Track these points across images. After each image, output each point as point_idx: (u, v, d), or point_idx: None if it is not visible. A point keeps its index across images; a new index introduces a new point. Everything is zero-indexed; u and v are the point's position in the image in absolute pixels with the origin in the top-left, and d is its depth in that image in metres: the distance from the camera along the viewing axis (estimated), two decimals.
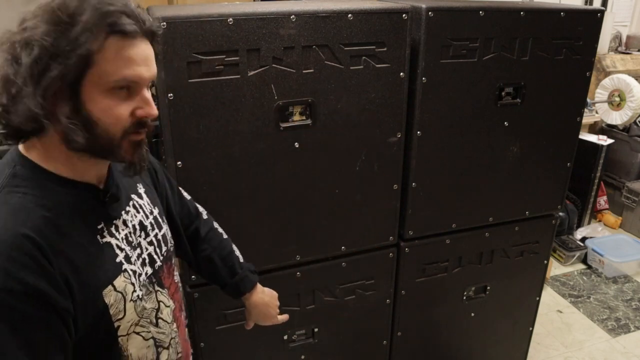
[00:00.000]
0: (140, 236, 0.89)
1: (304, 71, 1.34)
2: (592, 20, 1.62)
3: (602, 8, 2.03)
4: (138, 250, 0.88)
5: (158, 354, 0.91)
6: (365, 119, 1.45)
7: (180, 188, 1.19)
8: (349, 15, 1.33)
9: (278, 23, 1.27)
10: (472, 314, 1.94)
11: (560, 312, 2.78)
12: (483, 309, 1.95)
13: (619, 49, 4.06)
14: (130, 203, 0.90)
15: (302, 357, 1.70)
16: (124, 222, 0.86)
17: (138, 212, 0.91)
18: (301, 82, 1.34)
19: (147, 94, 0.75)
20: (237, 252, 1.23)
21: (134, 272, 0.85)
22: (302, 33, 1.30)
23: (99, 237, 0.80)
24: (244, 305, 1.26)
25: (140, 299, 0.85)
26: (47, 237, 0.71)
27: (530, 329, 2.11)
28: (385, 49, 1.40)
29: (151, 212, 0.95)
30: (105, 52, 0.69)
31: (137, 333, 0.85)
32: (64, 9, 0.68)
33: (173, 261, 1.01)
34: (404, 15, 1.38)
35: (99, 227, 0.81)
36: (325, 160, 1.46)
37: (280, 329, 1.63)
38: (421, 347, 1.93)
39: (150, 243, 0.92)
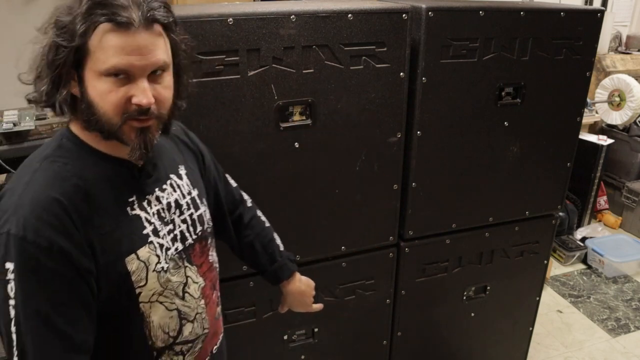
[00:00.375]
0: (174, 213, 0.94)
1: (304, 71, 1.34)
2: (592, 20, 1.62)
3: (602, 8, 2.03)
4: (170, 226, 0.93)
5: (181, 325, 0.95)
6: (365, 119, 1.45)
7: (227, 175, 1.23)
8: (349, 15, 1.33)
9: (278, 23, 1.27)
10: (472, 314, 1.94)
11: (560, 312, 2.78)
12: (483, 309, 1.95)
13: (619, 49, 4.06)
14: (168, 182, 0.95)
15: (302, 357, 1.70)
16: (158, 199, 0.92)
17: (175, 191, 0.96)
18: (301, 82, 1.34)
19: (142, 82, 0.78)
20: (278, 241, 1.27)
21: (161, 245, 0.90)
22: (302, 33, 1.30)
23: (128, 209, 0.86)
24: (281, 291, 1.29)
25: (165, 271, 0.90)
26: (76, 203, 0.79)
27: (530, 329, 2.11)
28: (385, 49, 1.40)
29: (189, 193, 0.99)
30: (98, 41, 0.75)
31: (161, 302, 0.91)
32: (67, 3, 0.77)
33: (209, 241, 1.05)
34: (404, 15, 1.38)
35: (130, 200, 0.87)
36: (325, 160, 1.46)
37: (280, 329, 1.63)
38: (421, 347, 1.93)
39: (184, 221, 0.96)
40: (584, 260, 3.21)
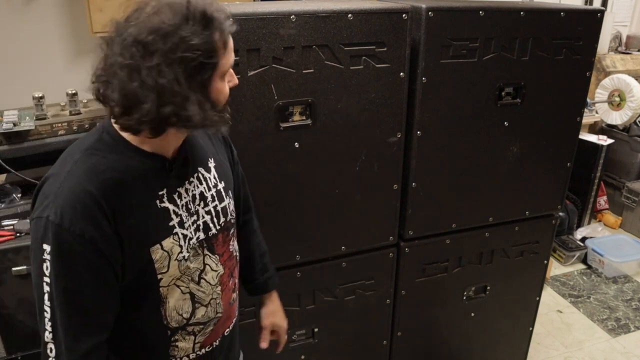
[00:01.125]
0: (199, 205, 0.99)
1: (304, 71, 1.34)
2: (592, 20, 1.62)
3: (602, 8, 2.03)
4: (194, 217, 0.98)
5: (194, 308, 1.01)
6: (365, 119, 1.45)
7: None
8: (349, 15, 1.33)
9: (278, 23, 1.27)
10: (472, 314, 1.94)
11: (560, 312, 2.78)
12: (483, 309, 1.95)
13: (619, 49, 4.06)
14: (195, 175, 1.00)
15: (302, 357, 1.70)
16: (186, 191, 0.97)
17: (201, 183, 1.01)
18: (301, 82, 1.34)
19: (233, 73, 0.91)
20: (268, 255, 1.35)
21: (185, 236, 0.96)
22: (302, 33, 1.30)
23: (158, 201, 0.92)
24: (262, 303, 1.34)
25: (186, 260, 0.96)
26: (108, 196, 0.85)
27: (530, 329, 2.11)
28: (385, 49, 1.40)
29: (215, 186, 1.04)
30: (224, 51, 0.85)
31: (178, 286, 0.97)
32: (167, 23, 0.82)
33: (232, 231, 1.10)
34: (404, 15, 1.38)
35: (160, 193, 0.92)
36: (325, 160, 1.46)
37: None
38: (421, 347, 1.93)
39: (208, 212, 1.01)
40: (584, 260, 3.21)
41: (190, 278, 0.99)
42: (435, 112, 1.53)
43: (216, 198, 1.04)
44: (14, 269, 1.47)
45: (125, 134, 0.89)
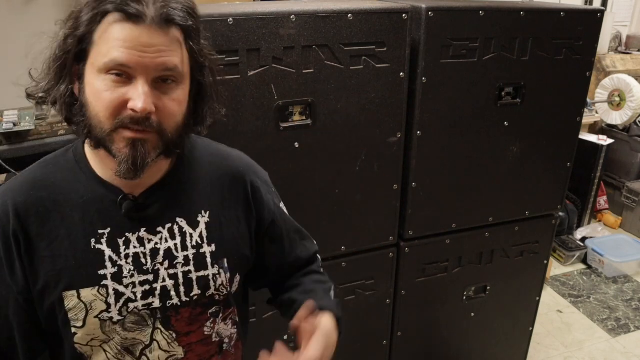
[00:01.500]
0: (161, 264, 0.80)
1: (304, 71, 1.34)
2: (592, 20, 1.62)
3: (602, 8, 2.03)
4: (149, 277, 0.80)
5: None
6: (365, 119, 1.45)
7: (303, 237, 1.04)
8: (349, 15, 1.33)
9: (278, 23, 1.27)
10: (472, 314, 1.94)
11: (560, 312, 2.77)
12: (483, 309, 1.95)
13: (619, 49, 4.05)
14: (168, 225, 0.81)
15: None
16: (140, 240, 0.79)
17: (173, 238, 0.81)
18: (301, 82, 1.34)
19: (142, 84, 0.68)
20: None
21: (120, 294, 0.78)
22: (302, 33, 1.30)
23: (93, 240, 0.77)
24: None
25: (115, 323, 0.79)
26: (26, 216, 0.75)
27: (530, 329, 2.10)
28: (385, 49, 1.40)
29: (196, 247, 0.83)
30: (103, 32, 0.68)
31: (105, 351, 0.81)
32: None
33: (213, 310, 0.87)
34: (404, 15, 1.38)
35: (101, 231, 0.77)
36: (325, 160, 1.46)
37: (280, 329, 1.62)
38: (421, 347, 1.93)
39: (173, 277, 0.81)
40: (584, 260, 3.21)
41: (124, 349, 0.81)
42: (435, 112, 1.53)
43: (192, 263, 0.82)
44: None
45: (90, 157, 0.78)
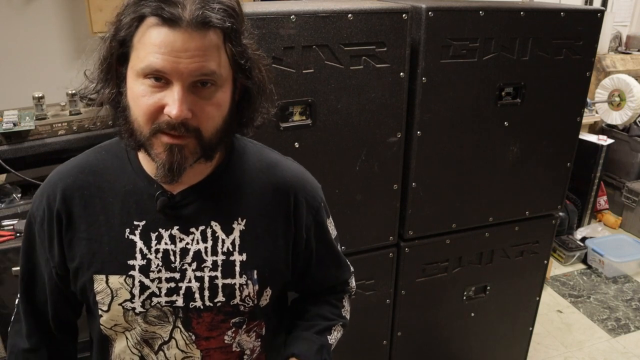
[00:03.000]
0: (189, 264, 0.80)
1: (304, 71, 1.34)
2: (592, 20, 1.62)
3: (602, 8, 2.03)
4: (176, 274, 0.80)
5: None
6: (365, 119, 1.45)
7: (337, 264, 1.00)
8: (349, 15, 1.33)
9: (278, 23, 1.27)
10: (472, 314, 1.94)
11: (560, 312, 2.77)
12: (483, 309, 1.95)
13: (619, 49, 4.05)
14: (201, 228, 0.80)
15: None
16: (172, 238, 0.79)
17: (205, 241, 0.80)
18: (301, 82, 1.34)
19: (177, 90, 0.68)
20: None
21: (145, 286, 0.79)
22: (302, 33, 1.30)
23: (127, 230, 0.79)
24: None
25: (137, 314, 0.80)
26: (73, 198, 0.79)
27: (530, 329, 2.10)
28: (385, 49, 1.40)
29: (226, 253, 0.81)
30: (141, 36, 0.68)
31: (127, 338, 0.83)
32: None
33: (236, 321, 0.85)
34: (404, 15, 1.38)
35: (136, 223, 0.79)
36: (325, 160, 1.46)
37: None
38: (421, 347, 1.93)
39: (199, 279, 0.80)
40: (584, 260, 3.21)
41: (144, 340, 0.82)
42: (435, 112, 1.53)
43: (220, 269, 0.81)
44: (13, 268, 1.47)
45: None
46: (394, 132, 1.51)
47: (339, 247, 1.00)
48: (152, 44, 0.67)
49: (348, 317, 1.03)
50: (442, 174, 1.63)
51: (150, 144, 0.72)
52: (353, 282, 1.06)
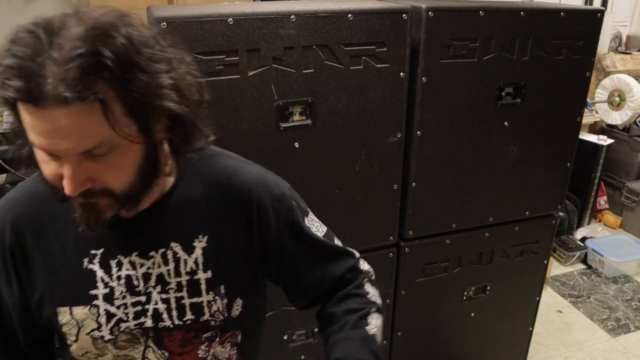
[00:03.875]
0: (154, 287, 0.78)
1: (304, 71, 1.34)
2: (592, 20, 1.62)
3: (602, 8, 2.03)
4: (141, 298, 0.77)
5: None
6: (365, 119, 1.45)
7: (331, 256, 0.94)
8: (349, 15, 1.33)
9: (278, 23, 1.27)
10: (472, 314, 1.94)
11: (560, 312, 2.77)
12: (483, 309, 1.95)
13: (619, 49, 4.06)
14: (161, 250, 0.77)
15: (302, 357, 1.70)
16: (132, 264, 0.76)
17: (166, 264, 0.77)
18: (301, 82, 1.34)
19: (66, 167, 0.61)
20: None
21: (111, 314, 0.77)
22: (302, 33, 1.30)
23: (86, 260, 0.76)
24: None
25: (107, 341, 0.78)
26: (25, 230, 0.75)
27: (530, 329, 2.11)
28: (385, 49, 1.40)
29: (190, 273, 0.79)
30: (20, 111, 0.60)
31: None
32: None
33: (209, 335, 0.83)
34: (404, 15, 1.38)
35: (93, 252, 0.76)
36: (325, 160, 1.46)
37: (280, 329, 1.63)
38: (421, 347, 1.93)
39: (165, 301, 0.78)
40: (584, 260, 3.21)
41: None
42: (435, 112, 1.53)
43: (185, 289, 0.78)
44: None
45: None
46: (394, 132, 1.51)
47: (332, 240, 0.94)
48: (28, 124, 0.59)
49: (379, 301, 0.95)
50: (442, 174, 1.63)
51: (69, 201, 0.67)
52: (365, 266, 0.98)
